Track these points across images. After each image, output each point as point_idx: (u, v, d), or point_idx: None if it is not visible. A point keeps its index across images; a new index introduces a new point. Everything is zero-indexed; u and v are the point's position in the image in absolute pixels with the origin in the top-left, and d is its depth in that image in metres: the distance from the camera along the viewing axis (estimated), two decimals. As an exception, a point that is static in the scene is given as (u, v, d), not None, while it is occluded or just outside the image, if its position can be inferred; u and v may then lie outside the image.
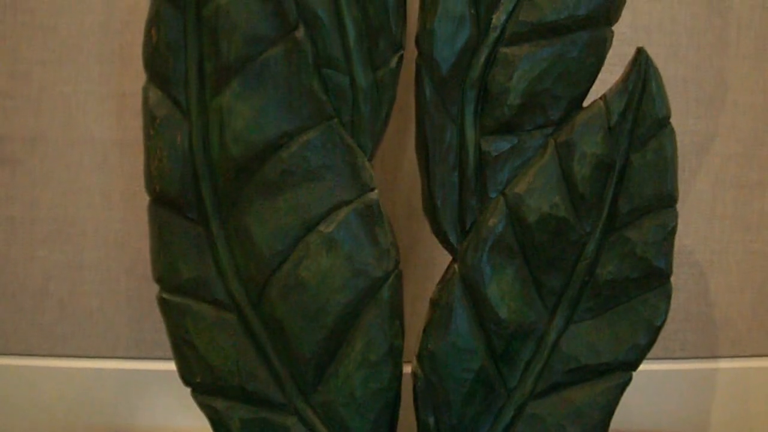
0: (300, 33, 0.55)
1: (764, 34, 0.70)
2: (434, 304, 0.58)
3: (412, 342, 0.63)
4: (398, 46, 0.56)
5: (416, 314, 0.68)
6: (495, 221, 0.56)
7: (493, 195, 0.57)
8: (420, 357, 0.58)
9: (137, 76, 0.69)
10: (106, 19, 0.69)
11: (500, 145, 0.57)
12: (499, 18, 0.56)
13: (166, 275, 0.57)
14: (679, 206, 0.57)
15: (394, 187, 0.69)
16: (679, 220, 0.61)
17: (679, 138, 0.70)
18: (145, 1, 0.69)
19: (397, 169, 0.69)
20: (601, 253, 0.57)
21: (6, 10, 0.69)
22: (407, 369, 0.59)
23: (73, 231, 0.70)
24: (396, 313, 0.57)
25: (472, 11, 0.56)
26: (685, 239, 0.70)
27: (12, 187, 0.70)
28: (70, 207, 0.70)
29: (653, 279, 0.57)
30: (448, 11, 0.56)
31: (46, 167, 0.70)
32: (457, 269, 0.57)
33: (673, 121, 0.69)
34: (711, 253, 0.71)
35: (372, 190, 0.56)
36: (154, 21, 0.56)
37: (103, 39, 0.69)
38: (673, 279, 0.58)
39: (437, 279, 0.59)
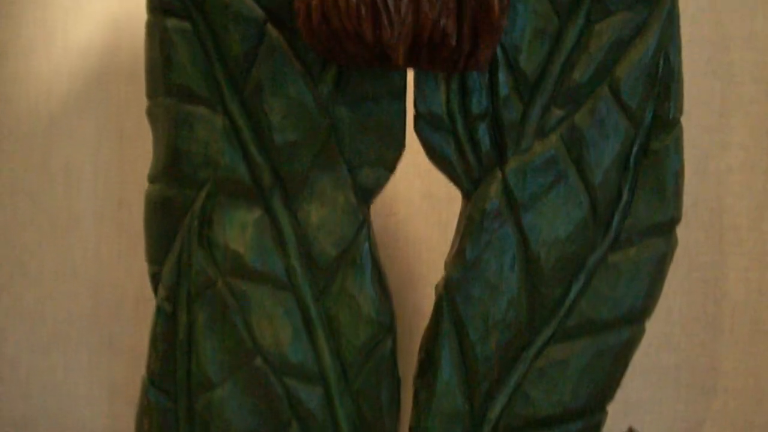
0: (293, 430, 0.55)
1: (758, 318, 0.70)
2: None
3: None
4: (392, 442, 0.56)
5: None
6: None
7: None
8: None
9: (127, 365, 0.68)
10: (93, 308, 0.68)
11: None
12: (493, 411, 0.55)
13: None
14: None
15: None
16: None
17: (668, 425, 0.71)
18: (131, 294, 0.68)
19: None
20: None
21: (-9, 297, 0.68)
22: None
23: None
24: None
25: (467, 406, 0.55)
26: None
27: (4, 468, 0.70)
28: (62, 489, 0.71)
29: None
30: (442, 408, 0.55)
31: (37, 450, 0.70)
32: None
33: (664, 407, 0.70)
34: None
35: None
36: (145, 411, 0.55)
37: (91, 328, 0.69)
38: None
39: None
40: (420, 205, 0.68)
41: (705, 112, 0.69)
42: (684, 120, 0.58)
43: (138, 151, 0.68)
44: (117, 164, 0.68)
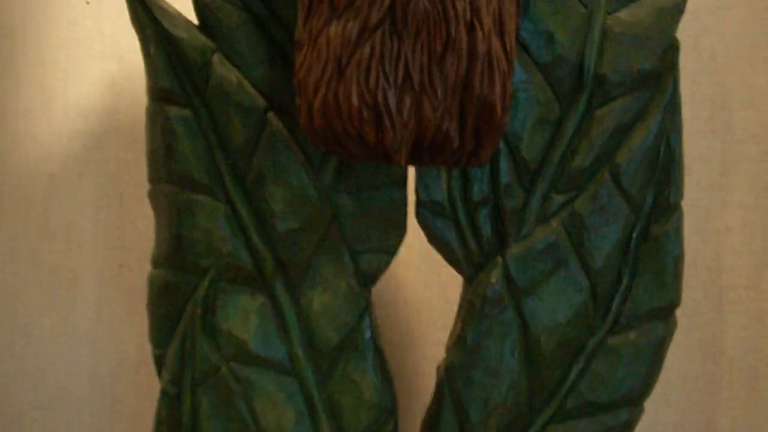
0: None
1: (756, 376, 0.70)
2: None
3: None
4: None
5: None
6: None
7: None
8: None
9: (128, 425, 0.69)
10: (94, 369, 0.69)
11: None
12: None
13: None
14: None
15: None
16: None
17: (667, 480, 0.72)
18: (132, 355, 0.68)
19: None
20: None
21: (-7, 357, 0.69)
22: None
23: None
24: None
25: None
26: None
27: None
28: None
29: None
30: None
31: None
32: None
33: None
34: None
35: None
36: None
37: (92, 388, 0.69)
38: None
39: None
40: (419, 266, 0.68)
41: (705, 170, 0.69)
42: (684, 179, 0.58)
43: (138, 213, 0.68)
44: (117, 226, 0.68)
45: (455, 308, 0.58)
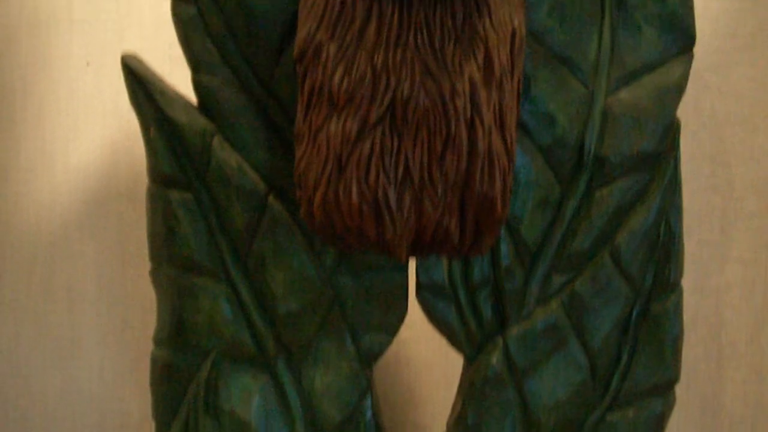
0: None
1: (754, 431, 0.71)
2: None
3: None
4: None
5: None
6: None
7: None
8: None
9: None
10: (98, 427, 0.69)
11: None
12: None
13: None
14: None
15: None
16: None
17: None
18: (136, 413, 0.69)
19: None
20: None
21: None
22: None
23: None
24: None
25: None
26: None
27: None
28: None
29: None
30: None
31: None
32: None
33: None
34: None
35: None
36: None
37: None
38: None
39: None
40: (420, 327, 0.68)
41: (705, 227, 0.69)
42: (685, 235, 0.58)
43: (140, 271, 0.68)
44: (120, 284, 0.69)
45: (456, 367, 0.59)
